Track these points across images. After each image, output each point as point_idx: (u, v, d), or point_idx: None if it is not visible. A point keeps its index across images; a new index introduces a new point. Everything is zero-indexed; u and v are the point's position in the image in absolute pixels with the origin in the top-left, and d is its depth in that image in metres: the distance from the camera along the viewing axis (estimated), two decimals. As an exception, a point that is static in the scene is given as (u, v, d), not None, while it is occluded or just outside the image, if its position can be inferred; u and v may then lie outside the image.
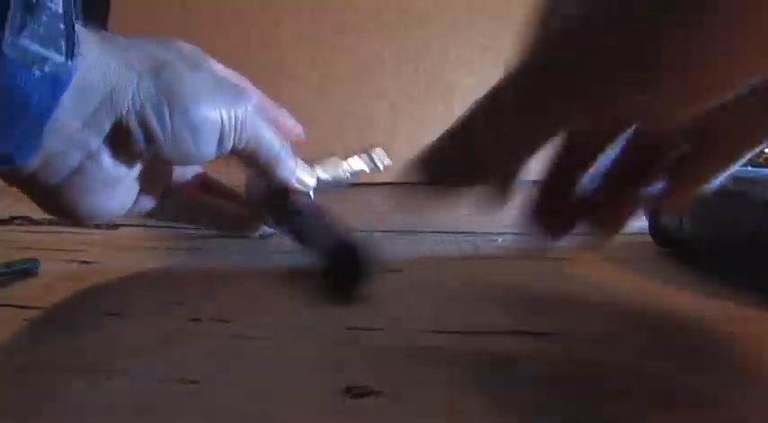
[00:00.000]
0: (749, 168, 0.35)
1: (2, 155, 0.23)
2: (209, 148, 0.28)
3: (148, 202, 0.31)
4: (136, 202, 0.30)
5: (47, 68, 0.22)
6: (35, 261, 0.33)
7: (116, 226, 0.49)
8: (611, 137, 0.21)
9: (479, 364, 0.21)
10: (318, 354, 0.22)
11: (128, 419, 0.17)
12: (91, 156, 0.26)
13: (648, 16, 0.15)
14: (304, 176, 0.34)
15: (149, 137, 0.26)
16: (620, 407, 0.17)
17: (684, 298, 0.28)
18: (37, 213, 0.52)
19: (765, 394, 0.19)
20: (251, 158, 0.31)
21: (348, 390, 0.18)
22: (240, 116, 0.29)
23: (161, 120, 0.26)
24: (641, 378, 0.19)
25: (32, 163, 0.25)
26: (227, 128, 0.28)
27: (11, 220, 0.50)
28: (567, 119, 0.18)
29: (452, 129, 0.19)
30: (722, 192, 0.30)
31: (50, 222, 0.50)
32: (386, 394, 0.18)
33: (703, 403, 0.18)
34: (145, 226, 0.51)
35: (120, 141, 0.26)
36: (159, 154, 0.27)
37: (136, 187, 0.30)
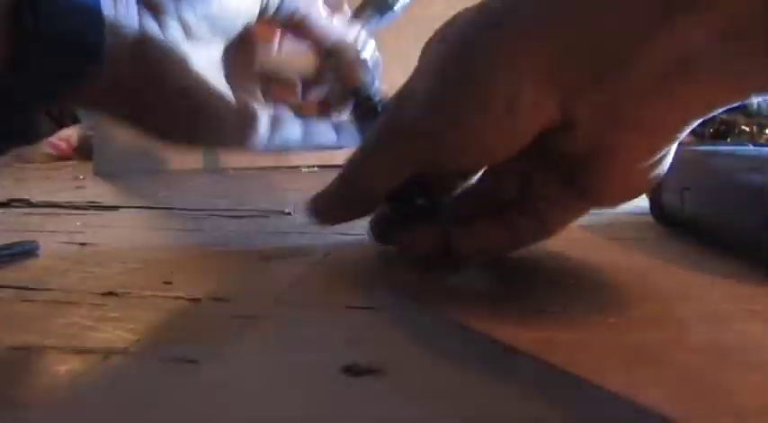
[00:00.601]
0: (751, 147, 0.35)
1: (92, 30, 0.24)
2: None
3: None
4: None
5: None
6: (34, 243, 0.33)
7: (116, 208, 0.49)
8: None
9: (481, 343, 0.21)
10: (318, 333, 0.22)
11: (126, 400, 0.17)
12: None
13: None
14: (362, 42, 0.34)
15: None
16: (621, 384, 0.17)
17: (686, 276, 0.28)
18: (36, 196, 0.52)
19: None
20: (301, 28, 0.31)
21: (348, 368, 0.18)
22: None
23: None
24: (641, 354, 0.19)
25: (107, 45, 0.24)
26: None
27: (9, 203, 0.50)
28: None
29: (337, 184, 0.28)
30: (724, 170, 0.30)
31: (49, 205, 0.50)
32: (387, 373, 0.18)
33: (703, 382, 0.18)
34: (143, 208, 0.51)
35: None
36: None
37: None
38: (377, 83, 0.34)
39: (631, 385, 0.17)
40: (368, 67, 0.33)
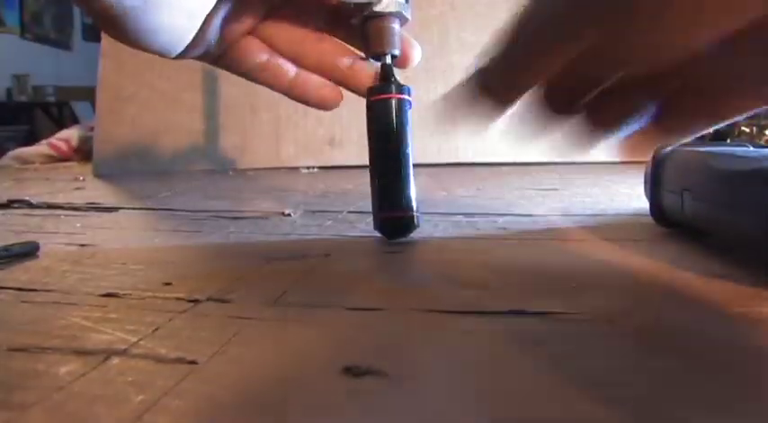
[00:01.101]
0: (751, 148, 0.34)
1: None
2: None
3: (219, 39, 0.32)
4: (205, 33, 0.31)
5: None
6: (34, 244, 0.33)
7: (115, 209, 0.49)
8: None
9: (481, 345, 0.21)
10: (318, 334, 0.22)
11: (125, 401, 0.17)
12: None
13: None
14: None
15: None
16: (621, 386, 0.17)
17: (686, 277, 0.28)
18: (35, 197, 0.52)
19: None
20: None
21: (348, 369, 0.18)
22: None
23: None
24: (643, 356, 0.19)
25: None
26: None
27: (9, 204, 0.50)
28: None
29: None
30: (724, 170, 0.30)
31: (49, 206, 0.50)
32: (386, 375, 0.18)
33: (701, 380, 0.18)
34: (143, 209, 0.51)
35: None
36: None
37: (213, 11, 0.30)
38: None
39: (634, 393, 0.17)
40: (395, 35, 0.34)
